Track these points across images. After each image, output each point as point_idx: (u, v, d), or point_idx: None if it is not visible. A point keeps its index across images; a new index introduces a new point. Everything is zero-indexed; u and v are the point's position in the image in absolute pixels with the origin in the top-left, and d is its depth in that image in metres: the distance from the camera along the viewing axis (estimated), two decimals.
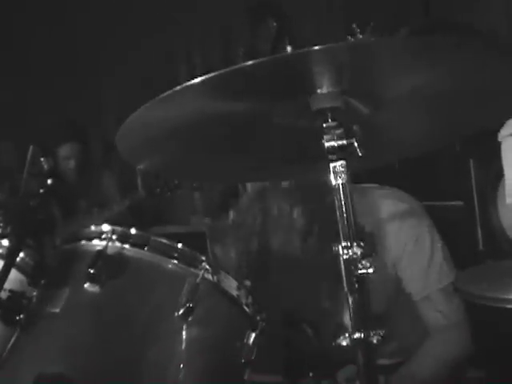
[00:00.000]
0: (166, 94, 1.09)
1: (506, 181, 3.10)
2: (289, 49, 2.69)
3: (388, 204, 2.06)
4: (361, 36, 2.75)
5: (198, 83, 1.05)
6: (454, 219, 3.34)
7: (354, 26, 2.44)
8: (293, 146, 1.42)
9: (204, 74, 1.03)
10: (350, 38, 2.39)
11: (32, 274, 1.74)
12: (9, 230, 2.42)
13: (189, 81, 1.04)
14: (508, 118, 2.04)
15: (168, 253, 1.55)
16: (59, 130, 3.97)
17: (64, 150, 3.89)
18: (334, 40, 1.04)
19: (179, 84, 1.05)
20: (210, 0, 4.91)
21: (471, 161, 3.38)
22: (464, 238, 3.33)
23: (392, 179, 2.18)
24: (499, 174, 3.21)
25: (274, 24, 3.01)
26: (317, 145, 1.27)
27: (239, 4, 4.85)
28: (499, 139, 2.42)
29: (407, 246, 2.02)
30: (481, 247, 3.36)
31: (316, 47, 1.03)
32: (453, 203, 3.45)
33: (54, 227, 2.96)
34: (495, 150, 3.01)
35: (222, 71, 1.04)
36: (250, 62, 1.02)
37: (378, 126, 1.38)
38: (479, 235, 3.35)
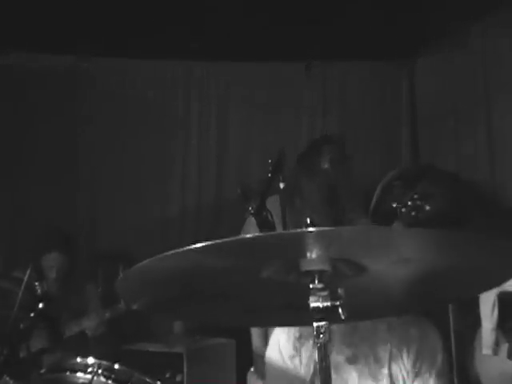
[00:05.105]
0: (168, 253, 1.18)
1: (483, 332, 3.16)
2: (281, 185, 2.71)
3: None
4: None
5: (199, 248, 1.15)
6: None
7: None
8: (281, 297, 1.50)
9: None
10: None
11: None
12: None
13: None
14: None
15: None
16: (44, 239, 4.06)
17: (47, 260, 3.96)
18: None
19: None
20: None
21: (450, 305, 3.43)
22: None
23: None
24: (476, 323, 3.27)
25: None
26: (304, 299, 1.35)
27: None
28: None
29: None
30: None
31: (311, 229, 1.14)
32: None
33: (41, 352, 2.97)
34: (474, 298, 3.08)
35: (223, 240, 1.13)
36: (250, 236, 1.12)
37: (362, 286, 1.46)
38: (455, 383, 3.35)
